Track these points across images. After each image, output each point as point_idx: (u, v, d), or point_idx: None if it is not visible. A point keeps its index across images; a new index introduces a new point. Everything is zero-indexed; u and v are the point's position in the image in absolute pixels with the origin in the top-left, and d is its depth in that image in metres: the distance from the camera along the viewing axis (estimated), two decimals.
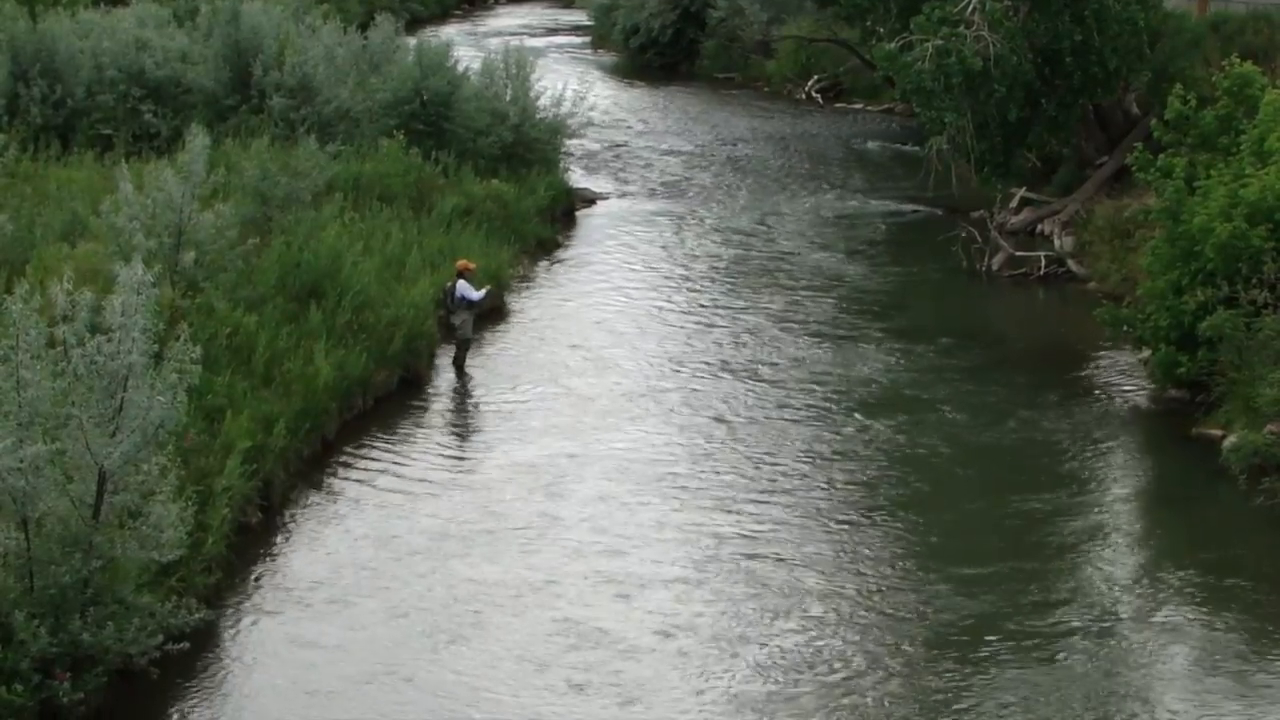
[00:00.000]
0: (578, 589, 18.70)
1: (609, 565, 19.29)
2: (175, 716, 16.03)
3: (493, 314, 28.47)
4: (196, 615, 16.39)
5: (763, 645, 17.44)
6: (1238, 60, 26.82)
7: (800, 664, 17.08)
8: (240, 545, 19.19)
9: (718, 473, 22.16)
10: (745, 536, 20.15)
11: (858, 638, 17.69)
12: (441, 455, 22.81)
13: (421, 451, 22.91)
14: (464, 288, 25.72)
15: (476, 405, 24.98)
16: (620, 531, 20.24)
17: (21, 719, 14.73)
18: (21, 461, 14.90)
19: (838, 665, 17.08)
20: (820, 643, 17.52)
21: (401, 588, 18.69)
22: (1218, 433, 22.96)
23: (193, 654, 16.52)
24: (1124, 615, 18.30)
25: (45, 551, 15.44)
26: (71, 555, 15.48)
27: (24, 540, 15.31)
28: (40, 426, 15.25)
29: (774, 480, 21.90)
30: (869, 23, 43.37)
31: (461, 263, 26.43)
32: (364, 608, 18.21)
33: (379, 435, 23.37)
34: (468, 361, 25.93)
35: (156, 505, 16.04)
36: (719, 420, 23.97)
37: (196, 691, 16.43)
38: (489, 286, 26.87)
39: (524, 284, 30.93)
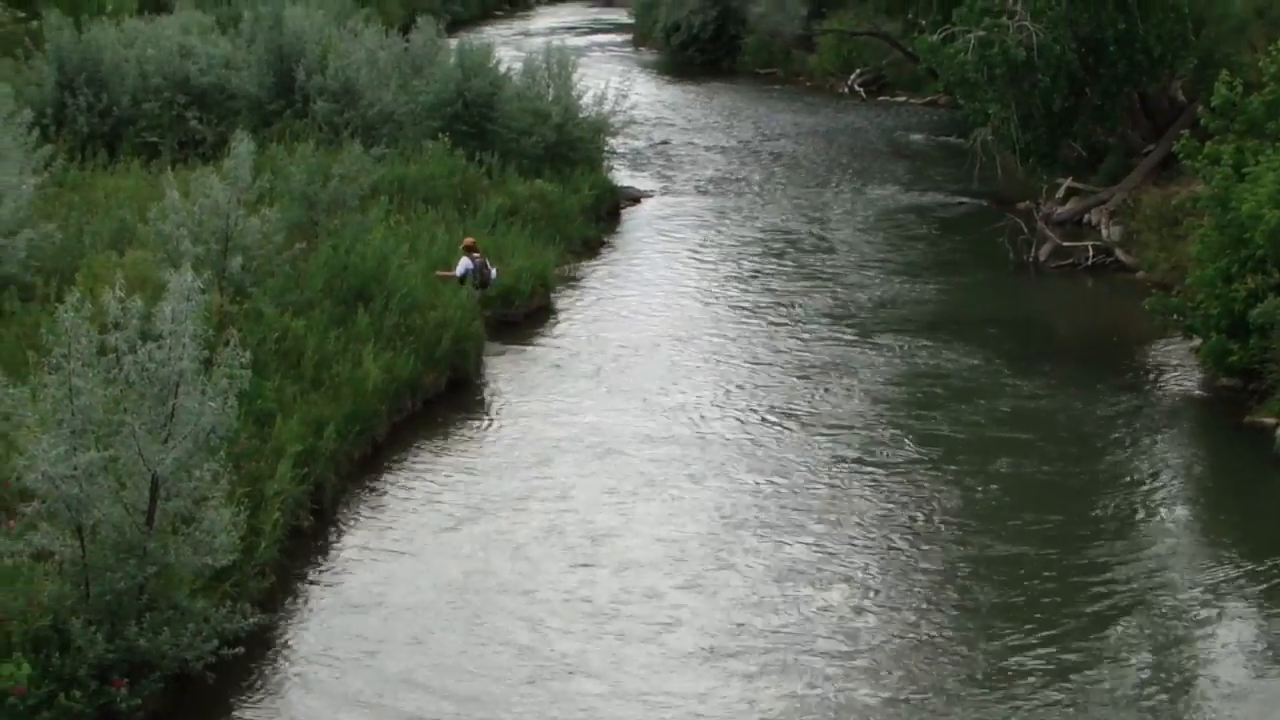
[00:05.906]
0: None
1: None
2: None
3: (540, 315, 28.51)
4: (251, 620, 16.43)
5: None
6: None
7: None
8: (293, 549, 19.25)
9: (765, 523, 20.47)
10: (791, 626, 17.96)
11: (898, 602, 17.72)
12: (490, 459, 22.78)
13: (471, 455, 22.92)
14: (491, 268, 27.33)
15: (525, 407, 24.85)
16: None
17: None
18: (75, 469, 14.98)
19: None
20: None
21: (456, 591, 18.72)
22: (1270, 421, 22.79)
23: (248, 658, 16.60)
24: (1174, 606, 18.15)
25: (100, 558, 15.53)
26: (126, 561, 15.56)
27: (79, 547, 15.41)
28: (93, 434, 15.32)
29: (827, 526, 21.22)
30: (910, 15, 43.39)
31: (472, 240, 27.58)
32: (418, 610, 18.24)
33: (428, 438, 23.41)
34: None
35: (209, 510, 16.11)
36: (766, 446, 23.10)
37: (252, 696, 16.49)
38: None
39: (570, 284, 30.93)
